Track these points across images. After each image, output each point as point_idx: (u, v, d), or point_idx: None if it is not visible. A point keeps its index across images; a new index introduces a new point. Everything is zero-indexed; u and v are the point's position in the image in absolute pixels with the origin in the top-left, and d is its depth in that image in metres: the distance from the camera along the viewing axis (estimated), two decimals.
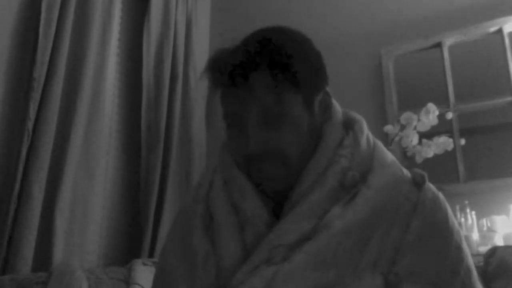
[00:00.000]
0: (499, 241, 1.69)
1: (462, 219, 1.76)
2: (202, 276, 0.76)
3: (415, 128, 1.86)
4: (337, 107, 0.85)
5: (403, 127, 1.89)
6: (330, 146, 0.79)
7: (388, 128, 1.93)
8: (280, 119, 0.75)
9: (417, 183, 0.77)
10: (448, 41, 2.14)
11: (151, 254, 1.97)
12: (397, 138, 1.89)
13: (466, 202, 1.78)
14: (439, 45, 2.15)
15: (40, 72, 1.65)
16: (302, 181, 0.77)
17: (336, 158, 0.78)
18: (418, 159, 1.84)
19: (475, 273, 0.75)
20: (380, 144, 0.84)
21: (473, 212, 1.77)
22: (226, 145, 0.84)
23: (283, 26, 0.80)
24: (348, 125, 0.84)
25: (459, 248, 0.75)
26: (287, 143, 0.75)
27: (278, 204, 0.78)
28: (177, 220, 0.91)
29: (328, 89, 0.82)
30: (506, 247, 1.39)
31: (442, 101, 2.04)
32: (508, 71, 1.98)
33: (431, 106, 1.85)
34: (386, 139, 1.89)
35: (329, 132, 0.80)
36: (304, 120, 0.77)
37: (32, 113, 1.61)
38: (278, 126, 0.75)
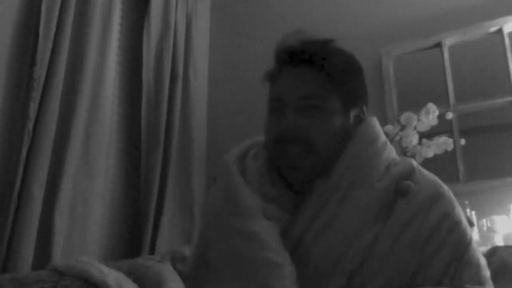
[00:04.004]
0: (499, 241, 1.69)
1: None
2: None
3: (415, 128, 1.86)
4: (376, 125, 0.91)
5: (403, 127, 1.89)
6: (359, 147, 0.85)
7: (388, 128, 1.92)
8: (315, 110, 0.82)
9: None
10: (448, 41, 2.14)
11: (151, 254, 1.97)
12: (397, 138, 1.89)
13: (466, 202, 1.78)
14: (439, 45, 2.15)
15: (40, 72, 1.65)
16: (330, 174, 0.82)
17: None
18: (418, 159, 1.84)
19: None
20: None
21: (473, 212, 1.77)
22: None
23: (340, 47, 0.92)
24: None
25: None
26: (317, 133, 0.82)
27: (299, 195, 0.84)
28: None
29: (365, 110, 0.91)
30: (506, 247, 1.38)
31: (442, 101, 2.04)
32: (508, 71, 1.98)
33: (431, 106, 1.84)
34: None
35: (360, 133, 0.87)
36: (337, 120, 0.84)
37: (32, 113, 1.61)
38: (313, 115, 0.82)
